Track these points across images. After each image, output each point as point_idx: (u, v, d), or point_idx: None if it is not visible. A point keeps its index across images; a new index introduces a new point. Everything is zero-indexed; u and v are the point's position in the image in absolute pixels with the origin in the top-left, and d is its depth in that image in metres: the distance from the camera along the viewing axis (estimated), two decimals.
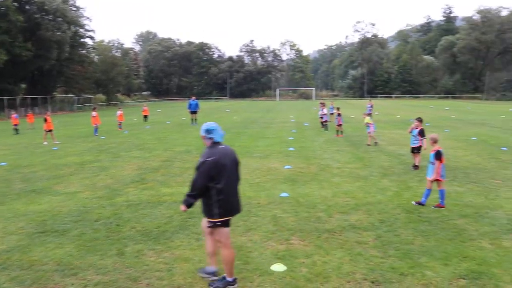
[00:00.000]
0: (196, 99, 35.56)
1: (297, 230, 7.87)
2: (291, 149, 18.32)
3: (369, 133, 19.41)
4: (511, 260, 6.41)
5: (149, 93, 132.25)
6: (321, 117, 27.48)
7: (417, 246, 7.03)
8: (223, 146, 5.76)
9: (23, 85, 72.98)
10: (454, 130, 25.97)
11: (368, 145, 19.02)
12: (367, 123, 19.80)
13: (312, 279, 5.92)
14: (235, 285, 5.76)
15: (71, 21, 69.04)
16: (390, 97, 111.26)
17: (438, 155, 9.20)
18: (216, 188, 5.49)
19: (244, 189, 11.11)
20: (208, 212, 5.65)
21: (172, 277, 6.08)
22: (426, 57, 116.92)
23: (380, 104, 65.55)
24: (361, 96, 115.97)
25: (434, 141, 9.52)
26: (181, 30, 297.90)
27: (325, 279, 5.91)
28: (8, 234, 7.98)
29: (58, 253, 6.96)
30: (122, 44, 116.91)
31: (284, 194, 10.44)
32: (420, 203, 9.30)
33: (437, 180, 9.22)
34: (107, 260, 6.66)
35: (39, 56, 62.06)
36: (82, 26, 77.00)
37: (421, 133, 13.52)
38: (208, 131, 5.79)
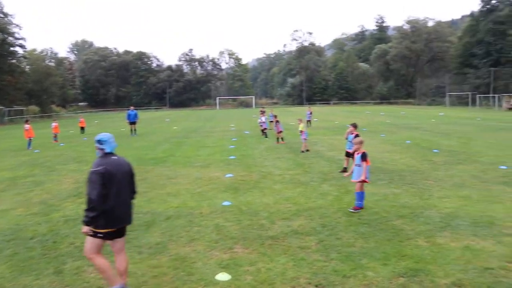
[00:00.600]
0: (135, 109, 34.99)
1: (240, 238, 7.86)
2: (232, 157, 18.33)
3: (304, 140, 19.69)
4: (445, 256, 6.72)
5: (86, 103, 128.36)
6: (261, 125, 27.74)
7: (358, 248, 7.20)
8: (116, 157, 5.73)
9: None
10: (390, 134, 26.98)
11: (302, 151, 19.34)
12: (301, 130, 20.20)
13: (257, 286, 5.92)
14: None
15: None
16: (329, 103, 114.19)
17: (364, 157, 9.45)
18: (104, 198, 5.39)
19: (186, 199, 11.01)
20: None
21: None
22: (361, 64, 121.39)
23: (319, 111, 67.02)
24: (300, 104, 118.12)
25: (361, 144, 9.80)
26: (118, 39, 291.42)
27: (270, 286, 5.92)
28: None
29: None
30: (56, 53, 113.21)
31: (226, 203, 10.41)
32: (356, 209, 9.40)
33: (363, 181, 9.43)
34: (44, 280, 6.35)
35: None
36: (11, 34, 73.51)
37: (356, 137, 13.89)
38: (100, 141, 5.73)
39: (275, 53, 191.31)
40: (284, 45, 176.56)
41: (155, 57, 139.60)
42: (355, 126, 14.19)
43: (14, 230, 8.60)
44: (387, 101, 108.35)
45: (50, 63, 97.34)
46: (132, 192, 5.87)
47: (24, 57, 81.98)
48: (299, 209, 9.65)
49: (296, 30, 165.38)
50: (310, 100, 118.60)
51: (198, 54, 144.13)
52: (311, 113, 36.55)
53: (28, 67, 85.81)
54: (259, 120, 27.95)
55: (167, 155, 19.87)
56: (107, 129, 41.45)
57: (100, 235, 5.49)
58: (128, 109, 34.10)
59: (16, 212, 10.35)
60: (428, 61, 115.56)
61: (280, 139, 23.49)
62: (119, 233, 5.71)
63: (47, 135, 30.79)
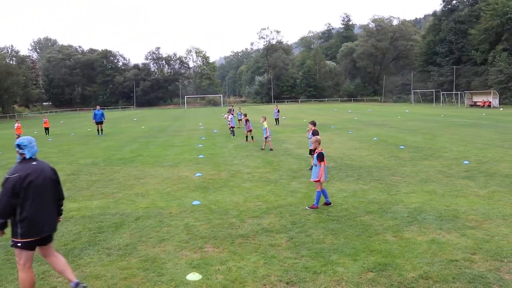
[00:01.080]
0: (102, 109, 34.41)
1: (210, 238, 7.83)
2: (201, 156, 18.25)
3: (266, 137, 19.74)
4: (412, 250, 6.85)
5: (51, 103, 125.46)
6: (229, 123, 27.78)
7: (328, 244, 7.27)
8: (35, 163, 5.41)
9: None
10: (357, 131, 27.38)
11: (263, 149, 19.44)
12: (266, 128, 20.29)
13: (228, 285, 5.90)
14: None
15: None
16: (297, 101, 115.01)
17: (321, 157, 9.51)
18: (21, 206, 5.13)
19: (155, 199, 10.90)
20: (12, 231, 5.27)
21: None
22: (328, 62, 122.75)
23: (287, 109, 67.44)
24: (269, 102, 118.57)
25: (318, 143, 9.84)
26: (83, 37, 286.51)
27: (241, 284, 5.91)
28: None
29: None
30: (17, 52, 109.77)
31: (196, 202, 10.35)
32: (312, 207, 9.45)
33: (318, 181, 9.49)
34: (8, 286, 6.17)
35: None
36: None
37: (315, 134, 13.99)
38: (20, 146, 5.40)
39: (242, 51, 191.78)
40: (252, 43, 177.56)
41: (121, 55, 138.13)
42: (313, 123, 14.34)
43: None
44: (354, 98, 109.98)
45: (11, 62, 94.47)
46: (57, 199, 5.61)
47: None
48: (269, 207, 9.68)
49: (264, 28, 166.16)
50: (278, 98, 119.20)
51: (165, 52, 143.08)
52: (278, 111, 36.73)
53: None
54: (225, 116, 28.05)
55: (135, 155, 19.63)
56: (74, 129, 40.63)
57: (19, 244, 5.23)
58: (95, 109, 33.55)
59: None
60: (394, 59, 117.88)
61: (250, 138, 23.51)
62: (43, 241, 5.46)
63: (9, 136, 30.03)
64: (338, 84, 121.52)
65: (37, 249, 5.53)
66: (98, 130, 32.09)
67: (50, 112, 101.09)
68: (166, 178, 13.68)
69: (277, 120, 35.90)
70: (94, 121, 32.44)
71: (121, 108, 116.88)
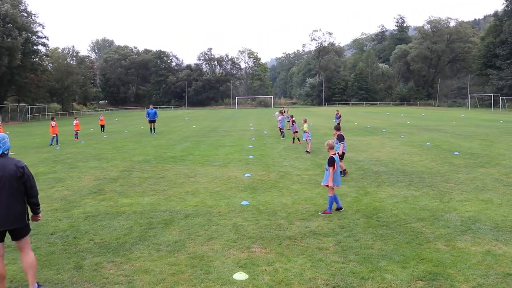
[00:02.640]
0: (154, 107, 35.27)
1: (258, 238, 7.86)
2: (250, 157, 18.35)
3: (308, 140, 19.69)
4: (465, 260, 6.62)
5: (106, 102, 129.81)
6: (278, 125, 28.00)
7: (377, 250, 7.14)
8: (2, 159, 5.60)
9: None
10: (410, 135, 26.72)
11: (307, 152, 19.31)
12: (304, 130, 20.28)
13: (275, 286, 5.90)
14: None
15: (22, 27, 66.93)
16: (348, 104, 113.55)
17: (332, 162, 9.35)
18: None
19: (204, 198, 11.06)
20: None
21: None
22: (381, 65, 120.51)
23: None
24: (320, 104, 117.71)
25: (330, 148, 9.67)
26: (138, 38, 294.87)
27: (287, 286, 5.90)
28: None
29: (11, 269, 6.67)
30: (77, 52, 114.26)
31: (244, 202, 10.42)
32: (325, 212, 9.31)
33: (328, 186, 9.38)
34: (64, 275, 6.44)
35: None
36: (34, 32, 74.81)
37: (340, 139, 13.79)
38: None
39: (294, 52, 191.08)
40: (304, 45, 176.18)
41: (174, 56, 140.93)
42: (337, 128, 14.26)
43: (36, 225, 8.70)
44: (407, 102, 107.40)
45: (71, 62, 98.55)
46: (19, 196, 5.68)
47: (47, 55, 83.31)
48: (318, 210, 9.60)
49: (316, 30, 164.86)
50: (329, 100, 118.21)
51: (217, 53, 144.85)
52: (340, 116, 33.00)
53: (50, 65, 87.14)
54: (276, 115, 28.19)
55: (186, 153, 19.99)
56: (128, 127, 41.85)
57: None
58: (148, 108, 34.39)
59: None
60: (450, 62, 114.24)
61: (296, 139, 23.44)
62: (12, 235, 5.68)
63: (69, 132, 31.29)
64: (391, 87, 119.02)
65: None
66: (151, 128, 32.85)
67: (105, 110, 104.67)
68: (215, 178, 13.86)
69: (338, 125, 31.07)
70: (147, 119, 33.26)
71: (173, 107, 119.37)
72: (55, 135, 26.08)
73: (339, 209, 9.48)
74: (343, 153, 13.96)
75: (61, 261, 6.99)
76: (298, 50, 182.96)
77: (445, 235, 7.78)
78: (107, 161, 18.16)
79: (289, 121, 30.42)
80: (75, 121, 30.14)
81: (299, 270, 6.39)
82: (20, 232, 5.69)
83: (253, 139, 26.62)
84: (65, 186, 13.17)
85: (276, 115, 27.91)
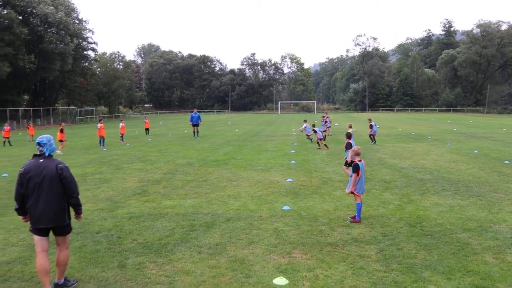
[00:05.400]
0: (198, 112, 35.65)
1: (299, 244, 7.83)
2: (292, 162, 18.30)
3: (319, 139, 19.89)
4: None
5: (151, 105, 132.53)
6: (324, 131, 28.11)
7: (420, 260, 6.97)
8: (42, 160, 5.91)
9: (26, 97, 73.18)
10: (456, 143, 25.95)
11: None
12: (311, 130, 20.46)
13: None
14: None
15: (74, 34, 69.49)
16: (392, 110, 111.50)
17: (356, 168, 9.15)
18: (26, 197, 5.85)
19: (246, 202, 11.11)
20: None
21: None
22: (427, 70, 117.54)
23: (382, 118, 65.62)
24: (363, 110, 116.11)
25: (356, 154, 9.47)
26: (183, 43, 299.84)
27: None
28: (9, 246, 7.95)
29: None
30: (123, 57, 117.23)
31: (286, 207, 10.40)
32: (353, 220, 9.16)
33: (352, 193, 9.22)
34: (108, 273, 6.61)
35: (42, 68, 62.46)
36: (84, 38, 77.52)
37: (348, 148, 13.63)
38: (40, 144, 5.97)
39: (338, 58, 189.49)
40: (347, 50, 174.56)
41: (218, 60, 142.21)
42: (349, 136, 14.06)
43: (83, 223, 8.99)
44: (453, 108, 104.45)
45: (118, 66, 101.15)
46: (61, 196, 5.94)
47: (96, 60, 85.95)
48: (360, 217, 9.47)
49: (360, 35, 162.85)
50: (373, 106, 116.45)
51: (260, 58, 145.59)
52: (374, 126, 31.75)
53: (98, 70, 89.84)
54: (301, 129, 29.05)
55: (228, 157, 20.14)
56: (172, 130, 42.56)
57: (30, 229, 5.95)
58: (191, 112, 34.85)
59: (84, 207, 10.77)
60: (500, 67, 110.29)
61: (322, 145, 23.70)
62: (44, 231, 5.93)
63: (115, 135, 32.09)
64: (437, 93, 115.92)
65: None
66: (194, 132, 33.22)
67: (150, 113, 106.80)
68: (257, 182, 13.90)
69: (371, 136, 26.78)
70: (190, 123, 33.65)
71: (216, 111, 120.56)
72: (101, 137, 26.84)
73: (355, 220, 9.16)
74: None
75: (106, 259, 7.17)
76: (341, 55, 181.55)
77: (493, 247, 7.50)
78: (151, 163, 18.54)
79: (325, 130, 30.44)
80: (121, 124, 30.92)
81: (340, 278, 6.32)
82: (59, 230, 6.02)
83: (296, 144, 26.53)
84: (110, 186, 13.53)
85: (302, 128, 28.58)
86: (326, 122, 31.36)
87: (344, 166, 13.98)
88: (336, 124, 46.33)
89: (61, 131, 23.67)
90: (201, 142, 28.68)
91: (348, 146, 13.63)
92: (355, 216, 9.23)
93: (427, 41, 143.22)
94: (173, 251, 7.52)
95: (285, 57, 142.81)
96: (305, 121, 29.07)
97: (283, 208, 10.38)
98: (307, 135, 27.33)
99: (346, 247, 7.60)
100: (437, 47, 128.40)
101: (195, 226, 8.99)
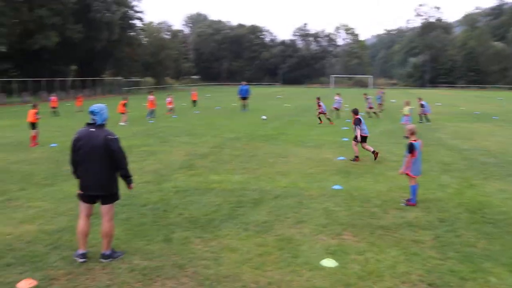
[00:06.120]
0: (247, 84, 34.67)
1: (349, 225, 7.55)
2: (345, 139, 17.76)
3: (405, 123, 18.72)
4: None
5: (199, 77, 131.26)
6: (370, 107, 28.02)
7: (480, 249, 6.54)
8: (93, 130, 5.99)
9: (74, 67, 74.31)
10: None
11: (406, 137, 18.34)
12: (405, 114, 19.58)
13: (365, 277, 5.63)
14: (83, 259, 6.03)
15: (120, 2, 69.04)
16: (454, 87, 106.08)
17: (410, 148, 8.61)
18: (77, 163, 6.04)
19: (295, 179, 10.88)
20: None
21: (219, 266, 5.93)
22: (496, 43, 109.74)
23: (442, 95, 63.03)
24: (422, 86, 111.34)
25: (411, 133, 8.90)
26: (232, 12, 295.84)
27: (378, 278, 5.60)
28: (58, 215, 8.10)
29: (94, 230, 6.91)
30: (171, 26, 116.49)
31: (336, 187, 10.08)
32: (408, 204, 8.71)
33: (407, 174, 8.76)
34: (154, 246, 6.60)
35: (90, 38, 62.20)
36: (131, 7, 76.28)
37: (356, 124, 13.29)
38: (92, 113, 6.04)
39: (396, 29, 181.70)
40: (407, 21, 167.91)
41: (268, 31, 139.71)
42: (355, 112, 13.64)
43: (129, 196, 8.95)
44: None
45: (165, 36, 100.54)
46: (108, 167, 6.00)
47: (142, 29, 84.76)
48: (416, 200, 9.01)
49: (421, 5, 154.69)
50: (433, 82, 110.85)
51: (313, 29, 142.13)
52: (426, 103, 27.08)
53: (145, 39, 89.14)
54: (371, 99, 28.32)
55: (277, 132, 19.88)
56: (219, 103, 42.52)
57: (78, 193, 6.13)
58: (240, 84, 34.30)
59: None
60: None
61: (327, 119, 23.80)
62: (90, 199, 6.07)
63: (162, 107, 32.08)
64: (506, 69, 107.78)
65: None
66: (242, 105, 32.78)
67: (197, 85, 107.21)
68: (308, 159, 13.58)
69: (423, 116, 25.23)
70: (239, 96, 33.21)
71: (266, 84, 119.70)
72: (151, 109, 27.03)
73: (410, 204, 8.71)
74: (365, 136, 13.50)
75: (152, 232, 7.17)
76: (400, 27, 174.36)
77: None
78: (198, 137, 18.52)
79: (381, 103, 29.60)
80: (168, 98, 30.89)
81: (392, 263, 6.05)
82: (106, 198, 6.09)
83: (348, 120, 25.86)
84: (157, 159, 13.59)
85: (336, 100, 28.39)
86: (381, 96, 30.77)
87: (353, 141, 13.58)
88: (392, 100, 44.91)
89: (124, 105, 23.95)
90: (249, 116, 28.47)
91: (357, 121, 13.23)
92: (410, 199, 8.78)
93: (499, 10, 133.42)
94: (219, 227, 7.42)
95: (339, 28, 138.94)
96: (338, 94, 29.38)
97: (333, 187, 10.07)
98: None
99: (399, 231, 7.25)
100: (509, 18, 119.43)
101: (242, 202, 8.85)
